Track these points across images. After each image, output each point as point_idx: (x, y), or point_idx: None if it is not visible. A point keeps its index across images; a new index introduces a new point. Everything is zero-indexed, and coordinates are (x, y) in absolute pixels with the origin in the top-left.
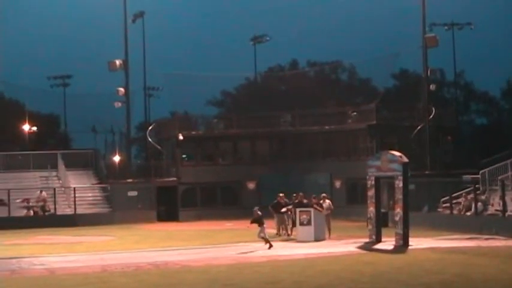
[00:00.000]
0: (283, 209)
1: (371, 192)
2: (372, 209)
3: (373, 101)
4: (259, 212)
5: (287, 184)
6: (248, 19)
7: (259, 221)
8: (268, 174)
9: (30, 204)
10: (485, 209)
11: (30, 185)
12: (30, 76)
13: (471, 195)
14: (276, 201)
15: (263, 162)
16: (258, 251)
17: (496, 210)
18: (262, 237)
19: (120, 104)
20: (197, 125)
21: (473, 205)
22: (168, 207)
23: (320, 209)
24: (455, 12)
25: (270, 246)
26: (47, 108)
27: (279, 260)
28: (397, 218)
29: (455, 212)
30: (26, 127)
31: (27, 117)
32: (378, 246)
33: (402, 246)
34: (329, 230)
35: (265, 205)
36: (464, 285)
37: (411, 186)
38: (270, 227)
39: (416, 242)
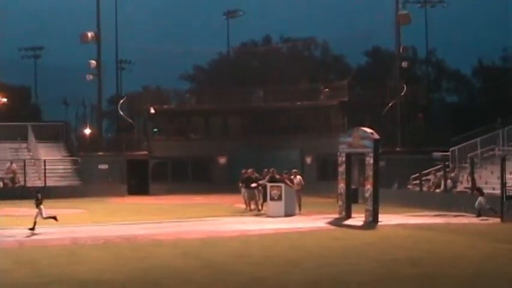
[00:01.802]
0: (253, 184)
1: (342, 169)
2: (342, 185)
3: (345, 78)
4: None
5: (258, 159)
6: None
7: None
8: (239, 149)
9: (0, 175)
10: (454, 186)
11: (0, 157)
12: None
13: (441, 173)
14: (246, 176)
15: (235, 138)
16: (226, 225)
17: (465, 187)
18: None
19: (91, 77)
20: (169, 99)
21: (442, 182)
22: (139, 181)
23: (291, 184)
24: None
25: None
26: (17, 79)
27: (250, 234)
28: (367, 195)
29: (424, 189)
30: None
31: None
32: (348, 222)
33: (372, 222)
34: (299, 205)
35: (235, 180)
36: (432, 261)
37: (382, 163)
38: (236, 202)
39: (385, 219)
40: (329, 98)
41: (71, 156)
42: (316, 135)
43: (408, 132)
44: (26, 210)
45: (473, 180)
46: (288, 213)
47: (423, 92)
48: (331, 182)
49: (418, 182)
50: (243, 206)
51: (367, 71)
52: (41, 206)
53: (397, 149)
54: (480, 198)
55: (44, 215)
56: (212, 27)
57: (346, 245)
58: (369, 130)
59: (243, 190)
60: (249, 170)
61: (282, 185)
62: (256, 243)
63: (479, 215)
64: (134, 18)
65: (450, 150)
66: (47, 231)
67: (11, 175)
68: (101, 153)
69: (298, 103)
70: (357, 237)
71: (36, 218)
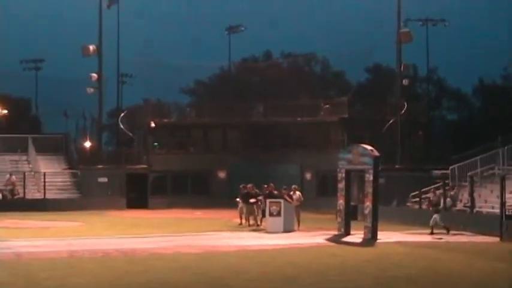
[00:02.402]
0: (252, 200)
1: (341, 185)
2: (341, 202)
3: (345, 95)
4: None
5: (258, 174)
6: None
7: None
8: (239, 163)
9: None
10: (453, 204)
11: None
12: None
13: (440, 191)
14: (245, 191)
15: (234, 152)
16: (225, 240)
17: (465, 206)
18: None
19: (92, 90)
20: (169, 112)
21: (442, 200)
22: (138, 194)
23: (290, 200)
24: (430, 9)
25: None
26: (18, 91)
27: (248, 250)
28: (366, 211)
29: (424, 207)
30: None
31: None
32: (347, 238)
33: (371, 239)
34: (298, 221)
35: (235, 195)
36: (431, 279)
37: (381, 180)
38: (235, 217)
39: (384, 236)
40: (329, 114)
41: (70, 168)
42: (316, 151)
43: (408, 149)
44: (26, 222)
45: (472, 198)
46: (287, 229)
47: (423, 110)
48: (331, 198)
49: (417, 199)
50: (238, 221)
51: (368, 88)
52: None
53: (397, 166)
54: (435, 216)
55: None
56: (214, 42)
57: (344, 262)
58: (368, 147)
59: (240, 205)
60: (249, 186)
61: (281, 200)
62: (254, 259)
63: (432, 233)
64: (136, 32)
65: (450, 168)
66: (45, 244)
67: (10, 187)
68: (100, 166)
69: (298, 119)
70: (355, 254)
71: None
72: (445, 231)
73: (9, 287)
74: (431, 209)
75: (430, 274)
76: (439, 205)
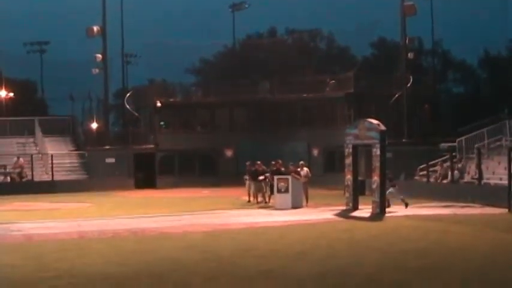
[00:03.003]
0: (261, 177)
1: (348, 160)
2: (349, 177)
3: (351, 70)
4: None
5: (265, 152)
6: None
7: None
8: (246, 142)
9: (7, 170)
10: (461, 177)
11: (7, 152)
12: (6, 42)
13: (447, 164)
14: (253, 168)
15: (241, 130)
16: (233, 218)
17: (472, 178)
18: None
19: (97, 71)
20: (175, 92)
21: (449, 173)
22: (146, 174)
23: (298, 176)
24: None
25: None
26: (23, 74)
27: (256, 227)
28: (374, 186)
29: (431, 180)
30: (3, 93)
31: (3, 83)
32: (355, 213)
33: (379, 213)
34: (306, 197)
35: (242, 173)
36: (440, 253)
37: (388, 154)
38: (243, 194)
39: (393, 210)
40: (335, 89)
41: (77, 150)
42: (323, 127)
43: (415, 123)
44: (35, 204)
45: (480, 170)
46: (295, 206)
47: (429, 83)
48: (338, 174)
49: (425, 173)
50: (246, 198)
51: (373, 63)
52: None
53: (404, 140)
54: (391, 189)
55: None
56: (218, 20)
57: (353, 237)
58: (375, 121)
59: (247, 183)
60: (257, 163)
61: (289, 177)
62: (263, 236)
63: (388, 205)
64: (140, 12)
65: (457, 141)
66: (54, 225)
67: (18, 170)
68: (107, 147)
69: (304, 95)
70: (364, 229)
71: None
72: (403, 204)
73: (20, 269)
74: (388, 183)
75: (439, 247)
76: (394, 179)
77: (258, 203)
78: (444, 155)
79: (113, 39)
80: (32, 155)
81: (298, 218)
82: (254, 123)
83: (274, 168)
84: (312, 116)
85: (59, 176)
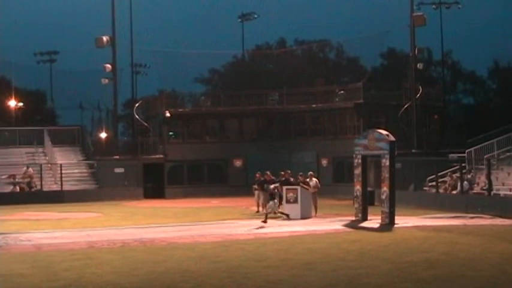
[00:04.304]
0: (271, 186)
1: (358, 171)
2: (358, 188)
3: (360, 80)
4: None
5: (274, 162)
6: None
7: (272, 196)
8: (255, 152)
9: (17, 180)
10: (471, 187)
11: (16, 161)
12: (16, 52)
13: (457, 174)
14: (262, 178)
15: (250, 140)
16: (242, 228)
17: (482, 189)
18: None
19: (107, 81)
20: (184, 102)
21: (459, 184)
22: (155, 184)
23: (307, 187)
24: None
25: (265, 221)
26: (33, 84)
27: (265, 237)
28: (383, 197)
29: (441, 190)
30: (13, 103)
31: (13, 93)
32: (364, 224)
33: (388, 224)
34: (315, 208)
35: (251, 183)
36: (449, 264)
37: (398, 165)
38: (252, 204)
39: (402, 221)
40: (344, 100)
41: (86, 160)
42: (332, 137)
43: (424, 133)
44: (44, 214)
45: (489, 181)
46: (304, 216)
47: (439, 94)
48: (347, 184)
49: (434, 183)
50: (254, 208)
51: (382, 73)
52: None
53: (413, 150)
54: (271, 203)
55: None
56: (227, 30)
57: (362, 248)
58: (384, 132)
59: (256, 193)
60: (267, 173)
61: (298, 187)
62: (272, 246)
63: (265, 220)
64: (149, 22)
65: (466, 151)
66: (64, 235)
67: (27, 179)
68: (116, 157)
69: (314, 105)
70: (373, 240)
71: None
72: (283, 216)
73: (29, 279)
74: (269, 198)
75: (449, 258)
76: (275, 195)
77: (259, 213)
78: (453, 166)
79: (122, 49)
80: (41, 165)
81: (308, 228)
82: (263, 133)
83: (283, 179)
84: (321, 126)
85: (68, 186)
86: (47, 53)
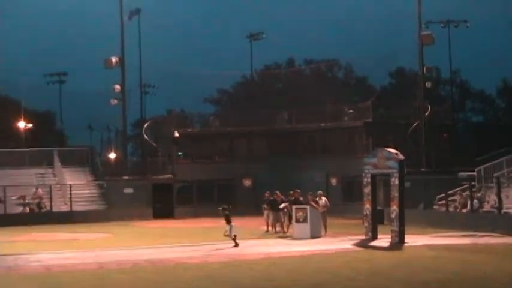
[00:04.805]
0: (282, 205)
1: (367, 190)
2: (367, 206)
3: (369, 99)
4: (226, 212)
5: (283, 181)
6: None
7: (227, 219)
8: (264, 171)
9: (26, 201)
10: (480, 206)
11: (26, 182)
12: (26, 73)
13: (467, 193)
14: (271, 198)
15: (259, 160)
16: (252, 248)
17: (492, 207)
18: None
19: (116, 101)
20: (193, 122)
21: (468, 202)
22: (164, 204)
23: (316, 206)
24: (451, 10)
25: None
26: (43, 105)
27: (275, 257)
28: (393, 215)
29: (451, 209)
30: (22, 124)
31: (23, 114)
32: (374, 243)
33: (398, 243)
34: (325, 227)
35: (261, 203)
36: (462, 283)
37: (407, 184)
38: (261, 224)
39: (412, 239)
40: (353, 119)
41: (96, 180)
42: (341, 156)
43: (433, 152)
44: (54, 234)
45: (499, 199)
46: (314, 235)
47: (448, 112)
48: (357, 203)
49: (443, 202)
50: (264, 228)
51: (391, 92)
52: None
53: (422, 169)
54: (227, 227)
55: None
56: (235, 50)
57: (373, 267)
58: (393, 151)
59: (265, 212)
60: (276, 192)
61: (308, 207)
62: (282, 266)
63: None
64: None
65: (476, 170)
66: (73, 256)
67: (37, 200)
68: (126, 177)
69: (323, 124)
70: (383, 259)
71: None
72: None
73: None
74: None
75: (461, 278)
76: (230, 218)
77: (276, 232)
78: (463, 184)
79: (131, 69)
80: (50, 186)
81: (317, 247)
82: (272, 152)
83: (292, 198)
84: (330, 145)
85: (77, 207)
86: (56, 74)
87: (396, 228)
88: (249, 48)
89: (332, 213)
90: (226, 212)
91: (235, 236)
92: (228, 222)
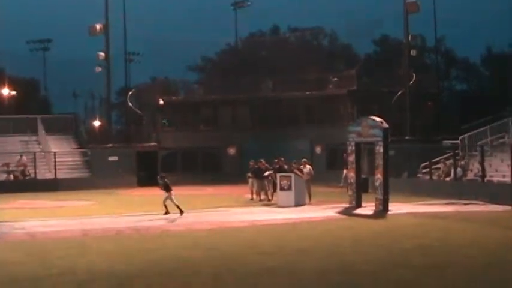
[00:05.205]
0: (267, 173)
1: (351, 158)
2: (352, 175)
3: (353, 67)
4: (166, 180)
5: (268, 150)
6: None
7: (166, 188)
8: (248, 139)
9: (10, 168)
10: (464, 174)
11: (10, 150)
12: (9, 40)
13: (450, 161)
14: (256, 166)
15: (244, 128)
16: (236, 216)
17: (476, 175)
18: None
19: (100, 69)
20: (178, 90)
21: (452, 171)
22: (149, 172)
23: (300, 174)
24: None
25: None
26: (26, 72)
27: (260, 224)
28: (377, 184)
29: (434, 177)
30: (6, 91)
31: (6, 82)
32: (358, 211)
33: (382, 211)
34: (309, 195)
35: (245, 171)
36: (444, 250)
37: (391, 152)
38: (246, 192)
39: (396, 207)
40: (337, 87)
41: (80, 148)
42: (325, 124)
43: (417, 120)
44: (38, 202)
45: (483, 168)
46: (298, 203)
47: (432, 81)
48: (341, 171)
49: (427, 170)
50: (248, 195)
51: (376, 60)
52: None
53: (407, 137)
54: (166, 194)
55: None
56: (220, 17)
57: (356, 234)
58: (378, 119)
59: (250, 180)
60: (260, 161)
61: (292, 175)
62: (266, 233)
63: (167, 212)
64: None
65: (460, 138)
66: (58, 223)
67: (21, 168)
68: (110, 145)
69: (307, 93)
70: (367, 227)
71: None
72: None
73: (23, 267)
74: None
75: (443, 245)
76: (169, 186)
77: (260, 200)
78: (447, 153)
79: (115, 37)
80: (35, 153)
81: (301, 215)
82: (257, 121)
83: (277, 166)
84: (314, 113)
85: (61, 174)
86: (40, 41)
87: (380, 197)
88: (234, 15)
89: (316, 182)
90: (166, 180)
91: (178, 205)
92: (168, 190)
